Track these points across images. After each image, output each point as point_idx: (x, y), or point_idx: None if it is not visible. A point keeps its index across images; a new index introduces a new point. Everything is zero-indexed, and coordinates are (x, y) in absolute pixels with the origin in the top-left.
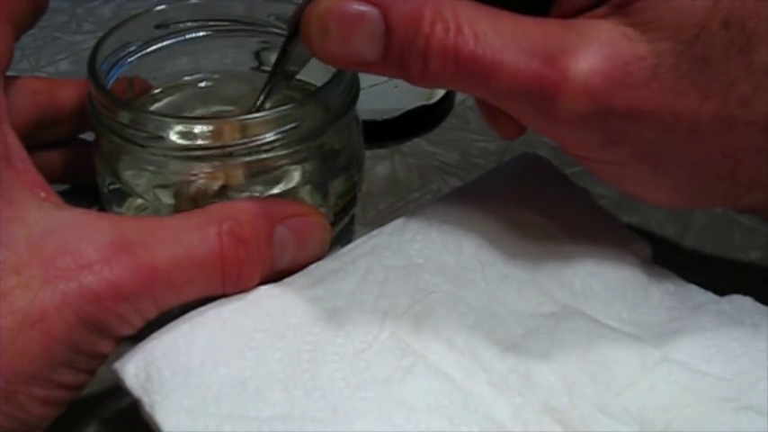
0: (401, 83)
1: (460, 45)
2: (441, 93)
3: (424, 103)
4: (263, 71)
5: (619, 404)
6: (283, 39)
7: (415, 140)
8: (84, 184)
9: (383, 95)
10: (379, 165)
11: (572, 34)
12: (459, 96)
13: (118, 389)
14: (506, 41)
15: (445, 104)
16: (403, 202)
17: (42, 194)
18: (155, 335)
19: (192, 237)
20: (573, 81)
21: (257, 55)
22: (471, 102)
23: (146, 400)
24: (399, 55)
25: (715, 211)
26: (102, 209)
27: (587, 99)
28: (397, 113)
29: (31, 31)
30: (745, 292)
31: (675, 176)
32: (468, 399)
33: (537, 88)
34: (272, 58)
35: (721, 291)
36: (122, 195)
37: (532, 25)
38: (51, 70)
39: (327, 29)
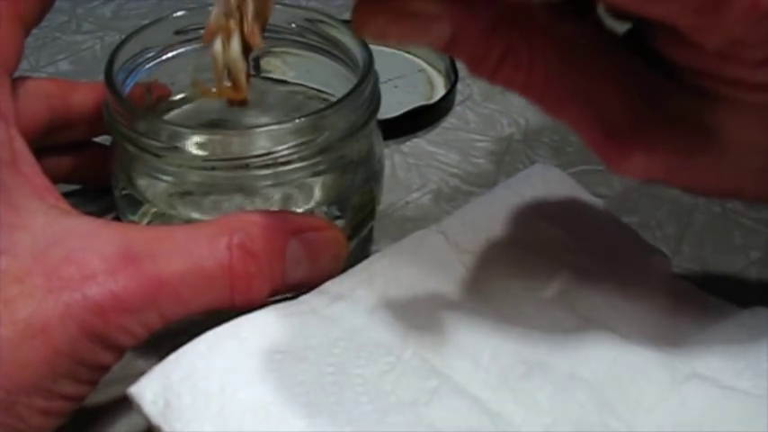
0: (401, 83)
1: None
2: (441, 92)
3: (424, 102)
4: (263, 78)
5: (651, 422)
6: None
7: (415, 140)
8: (98, 187)
9: (383, 95)
10: None
11: None
12: (459, 96)
13: (121, 400)
14: None
15: (445, 104)
16: (403, 202)
17: (51, 200)
18: (171, 357)
19: (202, 249)
20: None
21: (256, 61)
22: (471, 102)
23: (166, 430)
24: None
25: (715, 210)
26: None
27: None
28: (396, 113)
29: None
30: (745, 293)
31: None
32: (497, 420)
33: None
34: (272, 62)
35: (721, 291)
36: (136, 202)
37: None
38: (51, 70)
39: (386, 37)
